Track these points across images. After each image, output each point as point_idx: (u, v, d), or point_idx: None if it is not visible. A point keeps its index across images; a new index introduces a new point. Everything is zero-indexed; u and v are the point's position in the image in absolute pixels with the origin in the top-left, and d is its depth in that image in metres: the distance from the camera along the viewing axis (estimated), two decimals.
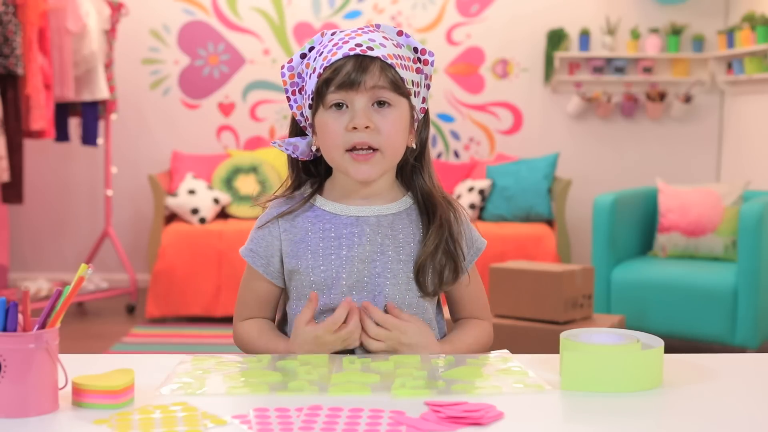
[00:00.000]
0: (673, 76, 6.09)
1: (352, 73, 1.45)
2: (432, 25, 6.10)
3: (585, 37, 6.04)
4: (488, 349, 1.62)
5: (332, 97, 1.48)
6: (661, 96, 6.06)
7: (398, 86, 1.48)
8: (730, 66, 5.78)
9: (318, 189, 1.59)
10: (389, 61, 1.46)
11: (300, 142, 1.58)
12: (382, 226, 1.54)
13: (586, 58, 6.09)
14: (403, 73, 1.48)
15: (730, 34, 5.64)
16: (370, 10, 6.09)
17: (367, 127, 1.47)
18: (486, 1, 6.10)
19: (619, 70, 6.05)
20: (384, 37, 1.50)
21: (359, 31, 1.50)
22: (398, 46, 1.51)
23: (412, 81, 1.51)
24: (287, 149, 1.58)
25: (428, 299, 1.56)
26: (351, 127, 1.47)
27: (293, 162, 1.61)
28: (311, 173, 1.62)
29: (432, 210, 1.55)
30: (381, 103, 1.48)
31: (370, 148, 1.49)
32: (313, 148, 1.57)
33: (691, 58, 6.05)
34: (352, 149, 1.49)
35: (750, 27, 5.37)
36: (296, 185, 1.61)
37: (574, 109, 6.06)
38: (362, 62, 1.46)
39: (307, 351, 1.47)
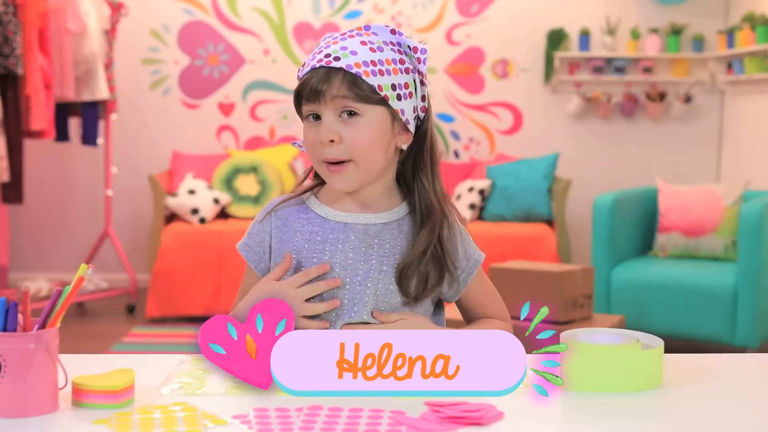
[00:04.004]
0: (673, 76, 6.09)
1: (315, 85, 1.46)
2: (432, 25, 6.10)
3: (585, 37, 6.04)
4: None
5: (305, 109, 1.49)
6: (661, 96, 6.06)
7: (364, 96, 1.45)
8: (730, 66, 5.78)
9: (317, 191, 1.59)
10: (353, 70, 1.44)
11: None
12: (368, 235, 1.52)
13: (586, 58, 6.09)
14: (375, 79, 1.45)
15: (730, 34, 5.64)
16: (370, 10, 6.09)
17: (332, 141, 1.46)
18: (486, 1, 6.09)
19: (619, 70, 6.05)
20: (362, 41, 1.47)
21: (338, 38, 1.49)
22: (378, 49, 1.47)
23: (393, 84, 1.47)
24: (302, 147, 1.57)
25: (412, 307, 1.52)
26: (317, 141, 1.47)
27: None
28: None
29: (427, 215, 1.52)
30: (350, 113, 1.47)
31: (341, 161, 1.48)
32: None
33: (691, 58, 6.05)
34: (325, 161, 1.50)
35: (750, 27, 5.37)
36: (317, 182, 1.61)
37: (574, 109, 6.06)
38: (325, 74, 1.45)
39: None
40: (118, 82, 5.67)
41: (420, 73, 1.51)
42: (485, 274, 1.62)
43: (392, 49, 1.49)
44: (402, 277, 1.50)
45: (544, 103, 6.16)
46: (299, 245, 1.53)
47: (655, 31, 6.02)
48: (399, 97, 1.48)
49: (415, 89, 1.51)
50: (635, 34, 6.01)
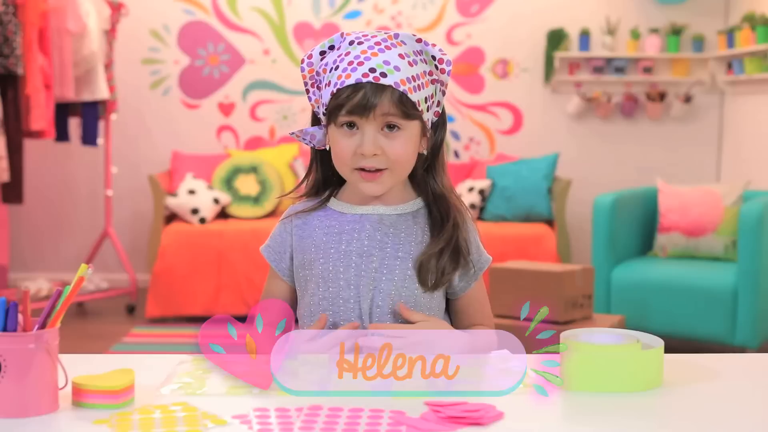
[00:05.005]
0: (673, 76, 6.08)
1: (363, 99, 1.48)
2: (432, 25, 6.10)
3: (585, 37, 6.04)
4: None
5: (343, 119, 1.51)
6: (661, 96, 6.06)
7: (408, 113, 1.50)
8: (730, 66, 5.78)
9: (334, 192, 1.64)
10: (401, 87, 1.48)
11: (317, 132, 1.60)
12: (383, 224, 1.57)
13: (586, 58, 6.09)
14: (415, 95, 1.49)
15: (730, 34, 5.64)
16: (370, 10, 6.09)
17: (375, 155, 1.51)
18: (486, 1, 6.09)
19: (619, 70, 6.05)
20: (400, 54, 1.50)
21: (375, 49, 1.49)
22: (413, 63, 1.50)
23: (425, 98, 1.52)
24: (304, 139, 1.60)
25: (428, 297, 1.57)
26: (359, 153, 1.51)
27: (315, 155, 1.64)
28: (329, 166, 1.63)
29: (445, 212, 1.58)
30: (391, 126, 1.51)
31: (377, 169, 1.53)
32: (327, 147, 1.59)
33: (691, 58, 6.05)
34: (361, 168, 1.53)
35: (750, 27, 5.37)
36: (318, 183, 1.64)
37: (574, 109, 6.06)
38: (373, 90, 1.48)
39: None
40: (118, 82, 5.67)
41: (442, 83, 1.55)
42: (483, 283, 1.67)
43: (422, 60, 1.52)
44: (421, 269, 1.55)
45: (544, 103, 6.16)
46: (318, 239, 1.59)
47: (655, 31, 6.02)
48: (428, 109, 1.54)
49: (435, 96, 1.56)
50: (635, 34, 6.01)
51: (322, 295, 1.56)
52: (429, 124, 1.56)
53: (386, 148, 1.51)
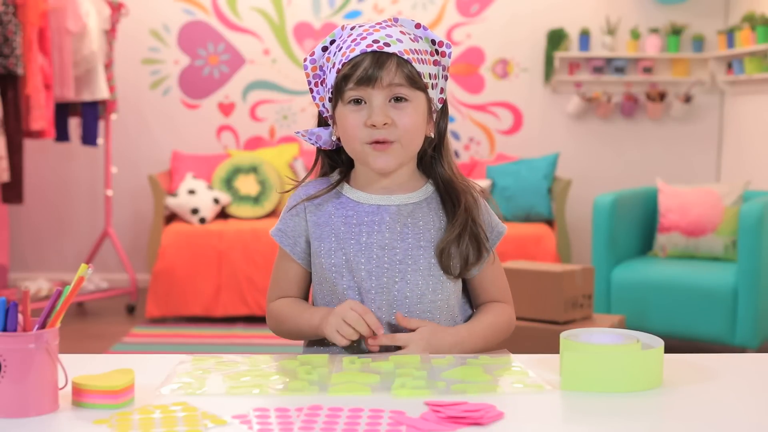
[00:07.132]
0: (673, 76, 6.08)
1: (369, 69, 1.49)
2: (432, 25, 6.10)
3: (585, 37, 6.04)
4: (509, 330, 1.65)
5: (350, 92, 1.52)
6: (661, 96, 6.06)
7: (414, 81, 1.51)
8: (730, 66, 5.78)
9: (345, 177, 1.64)
10: (405, 56, 1.50)
11: (323, 132, 1.61)
12: (401, 214, 1.58)
13: (586, 58, 6.09)
14: (419, 67, 1.52)
15: (730, 34, 5.64)
16: (370, 10, 6.09)
17: (385, 124, 1.51)
18: (486, 1, 6.09)
19: (619, 70, 6.04)
20: (401, 31, 1.53)
21: (377, 26, 1.53)
22: (415, 39, 1.54)
23: (429, 74, 1.54)
24: (310, 139, 1.61)
25: (452, 283, 1.59)
26: (369, 124, 1.51)
27: (320, 153, 1.65)
28: (336, 161, 1.66)
29: (455, 196, 1.59)
30: (398, 99, 1.52)
31: (387, 141, 1.53)
32: (334, 138, 1.61)
33: (691, 58, 6.05)
34: (371, 142, 1.53)
35: (750, 27, 5.37)
36: (324, 172, 1.66)
37: (574, 109, 6.06)
38: (379, 58, 1.50)
39: (334, 319, 1.51)
40: (118, 82, 5.67)
41: (444, 67, 1.58)
42: (498, 258, 1.67)
43: (424, 41, 1.56)
44: (443, 257, 1.56)
45: (544, 103, 6.16)
46: (337, 228, 1.59)
47: (655, 31, 6.02)
48: (432, 86, 1.56)
49: (438, 78, 1.58)
50: (635, 34, 6.01)
51: (347, 284, 1.57)
52: (433, 105, 1.57)
53: (396, 119, 1.51)
